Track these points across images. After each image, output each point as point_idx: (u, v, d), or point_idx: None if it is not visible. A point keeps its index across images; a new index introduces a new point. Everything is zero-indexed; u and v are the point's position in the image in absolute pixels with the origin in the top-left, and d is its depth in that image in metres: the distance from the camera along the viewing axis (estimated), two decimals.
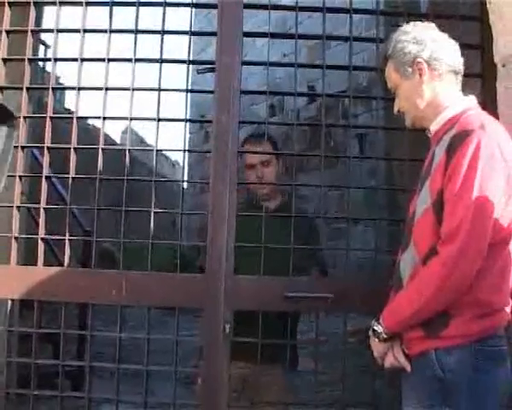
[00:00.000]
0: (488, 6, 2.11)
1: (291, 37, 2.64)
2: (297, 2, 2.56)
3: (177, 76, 2.74)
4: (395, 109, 1.97)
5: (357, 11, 2.64)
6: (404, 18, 2.47)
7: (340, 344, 2.44)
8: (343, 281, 2.56)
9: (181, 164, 9.64)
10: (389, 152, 4.23)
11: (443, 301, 1.66)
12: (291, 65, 2.59)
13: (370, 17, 3.55)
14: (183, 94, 2.59)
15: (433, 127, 1.86)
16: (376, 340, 1.82)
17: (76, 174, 2.47)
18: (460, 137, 1.68)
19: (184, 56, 2.53)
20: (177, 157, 16.55)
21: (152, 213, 2.42)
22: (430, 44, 1.85)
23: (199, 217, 2.58)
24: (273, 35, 2.73)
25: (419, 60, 1.85)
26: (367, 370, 2.35)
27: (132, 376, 2.83)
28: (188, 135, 2.56)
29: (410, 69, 1.87)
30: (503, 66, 2.06)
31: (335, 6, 2.62)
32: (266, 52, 2.55)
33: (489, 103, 1.94)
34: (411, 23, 1.94)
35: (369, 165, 5.86)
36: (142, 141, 13.14)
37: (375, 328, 1.81)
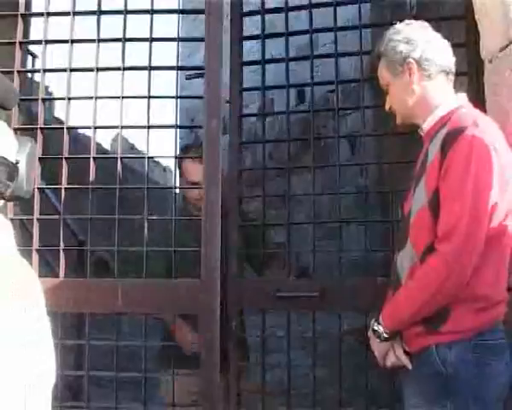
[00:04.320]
0: (474, 3, 2.12)
1: (281, 35, 2.68)
2: (286, 4, 2.59)
3: (166, 82, 2.75)
4: (386, 107, 1.98)
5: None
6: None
7: (336, 343, 2.45)
8: (335, 279, 2.57)
9: (172, 169, 9.59)
10: (379, 152, 4.26)
11: (443, 300, 1.67)
12: (282, 59, 2.71)
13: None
14: (173, 99, 2.59)
15: (425, 126, 1.87)
16: (377, 340, 1.82)
17: (68, 184, 2.47)
18: (453, 135, 1.69)
19: (172, 62, 2.54)
20: (169, 162, 16.49)
21: (145, 220, 2.42)
22: (421, 45, 1.86)
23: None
24: (267, 36, 2.77)
25: (409, 60, 1.86)
26: (364, 368, 2.36)
27: (130, 383, 2.82)
28: (178, 140, 2.55)
29: (400, 68, 1.88)
30: (490, 61, 2.06)
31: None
32: (254, 55, 2.56)
33: (474, 100, 1.94)
34: (405, 22, 1.94)
35: None
36: (132, 147, 13.06)
37: (376, 328, 1.81)
